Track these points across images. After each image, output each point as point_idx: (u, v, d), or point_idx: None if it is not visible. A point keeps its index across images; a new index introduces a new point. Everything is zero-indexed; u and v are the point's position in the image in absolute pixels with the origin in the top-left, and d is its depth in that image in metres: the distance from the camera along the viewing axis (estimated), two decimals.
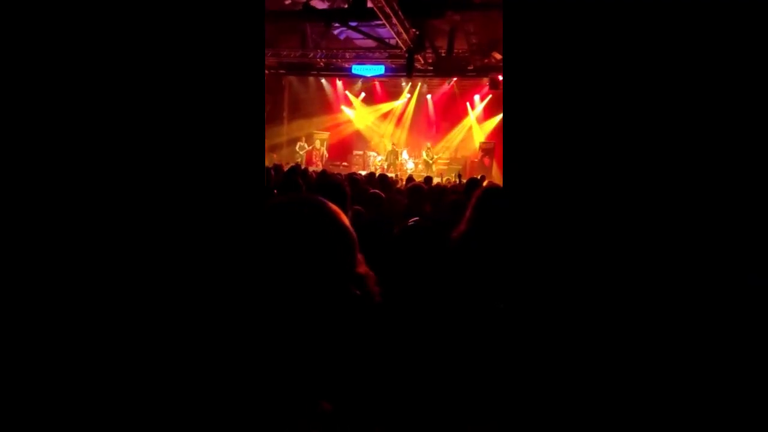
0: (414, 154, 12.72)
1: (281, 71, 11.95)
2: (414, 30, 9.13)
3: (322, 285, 0.63)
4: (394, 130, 13.20)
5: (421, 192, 3.38)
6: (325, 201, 0.72)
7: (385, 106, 13.17)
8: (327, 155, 13.05)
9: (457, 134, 12.59)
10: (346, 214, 0.73)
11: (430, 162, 11.93)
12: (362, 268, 0.83)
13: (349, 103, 13.33)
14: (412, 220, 1.50)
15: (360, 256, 0.85)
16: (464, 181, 5.39)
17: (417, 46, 9.46)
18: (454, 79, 11.89)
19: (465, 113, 12.38)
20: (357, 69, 11.30)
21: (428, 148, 12.12)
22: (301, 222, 0.65)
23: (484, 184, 2.78)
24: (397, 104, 13.15)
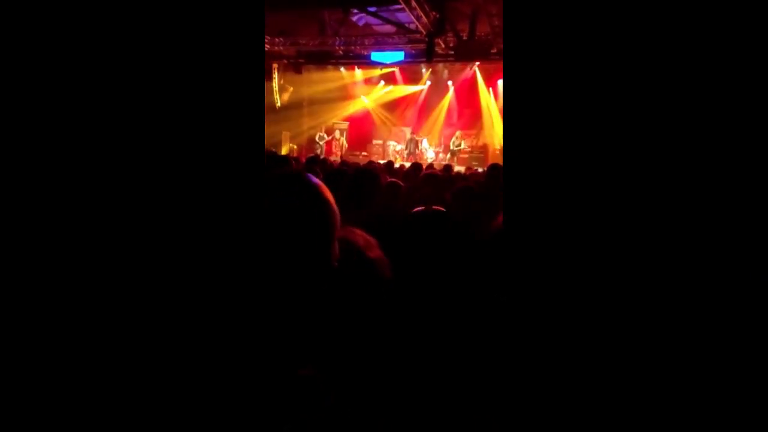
0: (434, 142, 12.48)
1: (300, 60, 11.88)
2: (434, 13, 8.86)
3: (300, 252, 0.65)
4: (411, 116, 12.97)
5: (437, 180, 3.25)
6: (307, 175, 0.73)
7: (400, 89, 12.93)
8: (346, 145, 12.98)
9: (478, 121, 12.25)
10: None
11: (455, 150, 11.69)
12: (375, 252, 0.84)
13: (368, 92, 13.17)
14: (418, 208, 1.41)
15: (374, 241, 0.86)
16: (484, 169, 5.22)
17: (437, 29, 9.19)
18: (477, 63, 11.53)
19: (487, 100, 12.02)
20: (376, 56, 11.10)
21: (457, 137, 11.85)
22: (282, 192, 0.68)
23: None
24: (416, 89, 12.89)
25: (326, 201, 0.69)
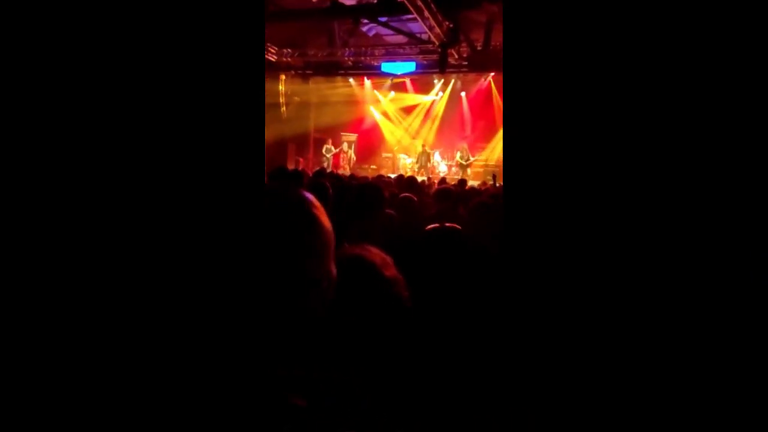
0: (447, 155, 12.06)
1: (308, 72, 11.67)
2: (447, 23, 8.57)
3: (277, 266, 0.64)
4: (421, 128, 12.55)
5: (449, 195, 3.24)
6: (296, 190, 0.71)
7: (410, 98, 12.57)
8: (355, 158, 12.58)
9: (493, 134, 11.81)
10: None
11: (464, 164, 11.25)
12: (391, 271, 0.86)
13: (378, 103, 12.86)
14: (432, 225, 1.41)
15: (389, 259, 0.89)
16: (499, 183, 5.07)
17: (451, 40, 8.88)
18: (491, 74, 11.16)
19: (501, 112, 11.63)
20: (387, 67, 10.80)
21: (464, 150, 11.40)
22: (268, 206, 0.68)
23: None
24: (426, 100, 12.53)
25: (312, 216, 0.67)
